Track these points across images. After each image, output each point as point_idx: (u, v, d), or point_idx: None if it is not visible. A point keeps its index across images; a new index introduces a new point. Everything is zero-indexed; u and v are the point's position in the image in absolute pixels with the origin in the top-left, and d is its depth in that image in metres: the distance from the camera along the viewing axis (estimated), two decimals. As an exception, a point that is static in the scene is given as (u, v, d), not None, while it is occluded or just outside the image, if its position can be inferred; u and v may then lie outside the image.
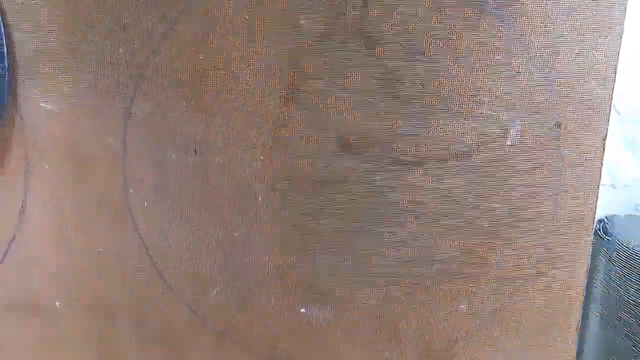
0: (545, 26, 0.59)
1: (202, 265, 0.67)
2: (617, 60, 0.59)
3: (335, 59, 0.61)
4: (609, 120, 0.61)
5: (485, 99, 0.61)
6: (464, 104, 0.61)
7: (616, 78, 0.60)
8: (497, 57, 0.60)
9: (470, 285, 0.65)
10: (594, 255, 1.52)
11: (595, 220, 1.49)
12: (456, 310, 0.66)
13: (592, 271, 1.53)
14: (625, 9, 0.58)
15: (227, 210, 0.65)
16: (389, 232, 0.65)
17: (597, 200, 0.62)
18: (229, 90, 0.62)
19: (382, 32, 0.60)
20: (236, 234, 0.66)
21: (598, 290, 1.51)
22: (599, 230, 1.51)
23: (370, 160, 0.63)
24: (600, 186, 1.40)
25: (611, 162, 1.49)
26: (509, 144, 0.62)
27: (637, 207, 1.52)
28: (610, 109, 0.61)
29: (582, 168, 0.62)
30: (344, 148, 0.63)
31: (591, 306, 1.53)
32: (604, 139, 0.61)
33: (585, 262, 0.63)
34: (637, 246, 1.40)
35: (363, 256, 0.66)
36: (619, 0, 0.59)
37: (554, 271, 0.64)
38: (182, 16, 0.61)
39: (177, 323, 0.68)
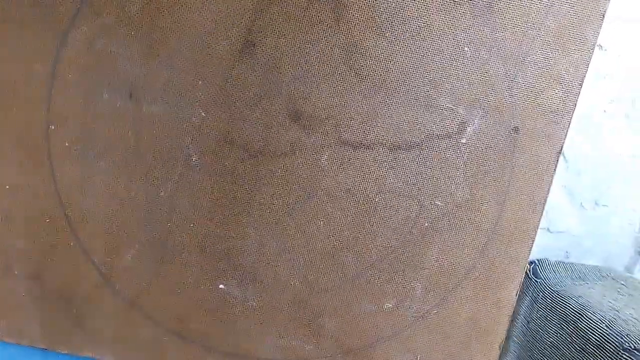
0: (521, 26, 0.57)
1: (120, 223, 0.60)
2: (585, 73, 0.57)
3: (300, 19, 0.56)
4: (566, 134, 0.58)
5: (447, 90, 0.58)
6: (424, 92, 0.58)
7: (581, 91, 0.57)
8: (465, 49, 0.57)
9: (400, 284, 0.61)
10: (521, 295, 1.52)
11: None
12: (382, 309, 0.62)
13: (516, 310, 1.53)
14: (601, 25, 0.57)
15: (155, 166, 0.60)
16: (324, 217, 0.60)
17: (541, 215, 0.60)
18: (180, 30, 0.57)
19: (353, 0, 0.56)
20: (162, 193, 0.60)
21: (519, 330, 1.50)
22: (529, 271, 1.51)
23: (319, 136, 0.58)
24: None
25: (551, 207, 1.50)
26: (464, 141, 0.59)
27: (567, 254, 1.54)
28: (569, 122, 0.58)
29: (533, 179, 0.59)
30: (294, 119, 0.58)
31: (510, 345, 1.52)
32: (559, 152, 0.59)
33: (518, 279, 0.61)
34: (562, 290, 1.40)
35: (293, 238, 0.61)
36: (595, 15, 0.57)
37: (487, 281, 0.61)
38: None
39: (81, 284, 0.62)
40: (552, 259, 1.48)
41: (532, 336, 1.39)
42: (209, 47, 0.58)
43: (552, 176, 0.60)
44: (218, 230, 0.61)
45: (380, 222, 0.61)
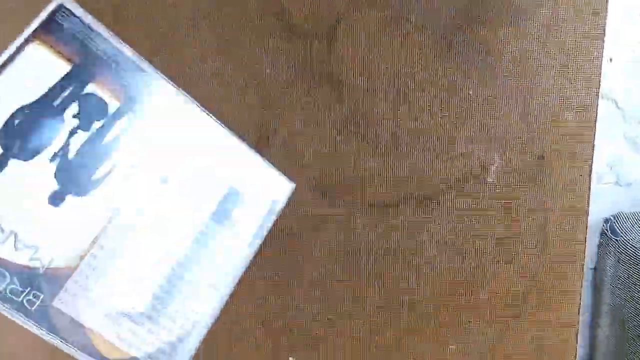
0: (522, 57, 0.57)
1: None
2: (598, 89, 0.57)
3: (304, 104, 0.59)
4: (593, 149, 0.58)
5: (462, 137, 0.59)
6: (439, 144, 0.59)
7: (598, 106, 0.57)
8: (469, 92, 0.57)
9: (459, 326, 0.63)
10: (603, 255, 1.49)
11: (602, 219, 1.47)
12: (447, 351, 0.64)
13: (600, 271, 1.51)
14: (604, 38, 0.56)
15: (205, 264, 0.63)
16: (372, 277, 0.63)
17: (586, 233, 0.60)
18: None
19: (349, 74, 0.58)
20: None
21: (607, 290, 1.48)
22: (607, 230, 1.48)
23: (347, 204, 0.61)
24: (604, 185, 1.38)
25: (614, 160, 1.46)
26: (490, 180, 0.60)
27: (644, 203, 1.49)
28: (594, 139, 0.58)
29: (569, 201, 0.59)
30: (321, 196, 0.61)
31: (602, 306, 1.50)
32: (590, 170, 0.58)
33: (576, 299, 0.61)
34: (643, 244, 1.36)
35: (346, 305, 0.63)
36: (596, 30, 0.56)
37: (545, 305, 0.62)
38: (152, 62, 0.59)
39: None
40: (629, 212, 1.44)
41: (622, 295, 1.37)
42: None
43: (589, 188, 0.60)
44: (275, 309, 0.64)
45: (428, 273, 0.63)
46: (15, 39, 0.47)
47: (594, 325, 1.55)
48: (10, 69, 0.43)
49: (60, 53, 0.46)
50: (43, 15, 0.44)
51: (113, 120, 0.50)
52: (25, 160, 0.46)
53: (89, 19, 0.47)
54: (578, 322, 0.62)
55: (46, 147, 0.47)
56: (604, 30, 0.56)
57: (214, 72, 0.59)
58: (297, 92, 0.59)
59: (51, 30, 0.44)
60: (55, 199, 0.48)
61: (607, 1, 0.55)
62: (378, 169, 0.60)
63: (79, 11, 0.46)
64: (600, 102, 1.38)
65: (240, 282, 0.62)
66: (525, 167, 0.59)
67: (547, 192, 0.60)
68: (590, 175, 0.59)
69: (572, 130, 0.58)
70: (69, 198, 0.48)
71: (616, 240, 1.41)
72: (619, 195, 1.45)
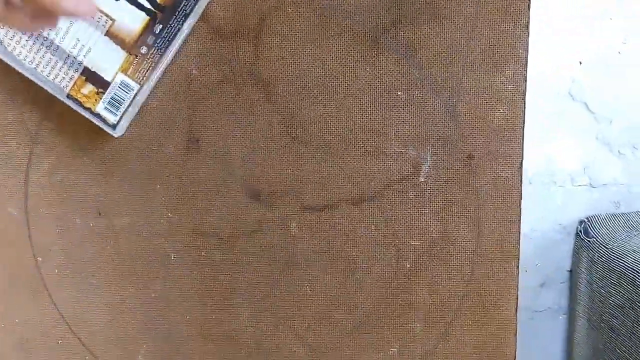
0: (447, 57, 0.56)
1: (123, 329, 0.64)
2: (524, 86, 0.56)
3: (232, 105, 0.60)
4: (522, 147, 0.57)
5: (392, 136, 0.58)
6: (371, 143, 0.58)
7: (526, 103, 0.56)
8: (399, 93, 0.57)
9: (399, 328, 0.62)
10: (577, 257, 1.49)
11: (577, 221, 1.46)
12: (388, 355, 0.63)
13: (576, 273, 1.50)
14: (528, 36, 0.55)
15: (140, 272, 0.63)
16: (308, 281, 0.62)
17: (519, 233, 0.59)
18: (128, 146, 0.61)
19: (277, 75, 0.58)
20: (153, 295, 0.63)
21: (583, 293, 1.47)
22: (580, 232, 1.48)
23: (282, 208, 0.61)
24: (578, 186, 1.37)
25: (589, 162, 1.46)
26: (422, 180, 0.59)
27: (618, 205, 1.49)
28: (523, 136, 0.57)
29: (501, 198, 0.59)
30: (254, 198, 0.60)
31: (577, 309, 1.49)
32: (520, 167, 0.58)
33: (513, 300, 0.60)
34: (616, 247, 1.36)
35: (284, 308, 0.63)
36: (519, 27, 0.56)
37: (483, 306, 0.61)
38: (71, 77, 0.58)
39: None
40: (603, 214, 1.44)
41: (598, 298, 1.36)
42: (158, 153, 0.60)
43: (520, 191, 0.59)
44: (213, 316, 0.63)
45: (364, 274, 0.62)
46: None
47: (571, 327, 1.53)
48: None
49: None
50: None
51: None
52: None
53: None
54: (516, 322, 0.61)
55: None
56: (528, 27, 0.55)
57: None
58: (225, 93, 0.58)
59: None
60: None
61: (529, 3, 0.55)
62: (311, 170, 0.60)
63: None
64: (571, 104, 1.38)
65: (174, 287, 0.61)
66: (456, 166, 0.59)
67: (479, 191, 0.59)
68: (521, 173, 0.58)
69: (501, 128, 0.58)
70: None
71: (589, 242, 1.40)
72: (593, 197, 1.45)
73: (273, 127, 0.58)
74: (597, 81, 1.42)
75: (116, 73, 0.55)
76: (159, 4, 0.53)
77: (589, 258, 1.43)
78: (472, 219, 0.60)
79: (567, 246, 1.49)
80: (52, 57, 0.55)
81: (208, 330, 0.64)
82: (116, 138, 0.59)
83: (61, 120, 0.60)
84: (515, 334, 0.61)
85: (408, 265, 0.61)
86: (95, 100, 0.56)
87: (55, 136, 0.60)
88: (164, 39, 0.54)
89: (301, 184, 0.60)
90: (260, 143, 0.59)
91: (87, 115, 0.56)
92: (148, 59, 0.55)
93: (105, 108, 0.56)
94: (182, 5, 0.53)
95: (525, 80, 0.56)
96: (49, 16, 0.43)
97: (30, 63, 0.55)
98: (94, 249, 0.63)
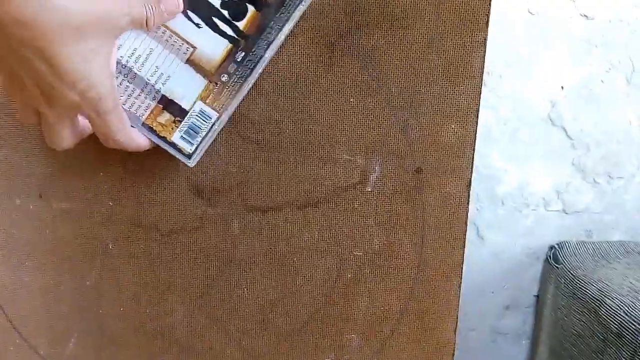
0: (404, 68, 0.56)
1: (57, 315, 0.63)
2: (478, 104, 0.55)
3: None
4: (472, 165, 0.56)
5: (342, 143, 0.57)
6: (320, 147, 0.57)
7: (478, 121, 0.55)
8: (351, 100, 0.56)
9: (336, 338, 0.61)
10: (545, 283, 1.48)
11: (547, 246, 1.45)
12: (323, 365, 0.62)
13: (542, 299, 1.49)
14: (484, 52, 0.55)
15: (77, 258, 0.61)
16: (246, 283, 0.61)
17: (464, 248, 0.58)
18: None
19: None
20: (88, 283, 0.62)
21: (547, 319, 1.46)
22: (549, 257, 1.47)
23: (225, 206, 0.60)
24: (550, 211, 1.37)
25: (563, 188, 1.46)
26: (369, 190, 0.58)
27: (590, 233, 1.48)
28: (473, 154, 0.56)
29: (447, 214, 0.58)
30: (197, 194, 0.59)
31: (540, 335, 1.49)
32: (469, 186, 0.57)
33: (453, 317, 0.59)
34: (582, 275, 1.35)
35: (220, 308, 0.61)
36: (476, 43, 0.55)
37: (422, 324, 0.60)
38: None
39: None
40: (573, 240, 1.43)
41: (560, 325, 1.36)
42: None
43: (467, 209, 0.58)
44: (148, 311, 0.62)
45: (304, 280, 0.61)
46: None
47: (532, 354, 1.53)
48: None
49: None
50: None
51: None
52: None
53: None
54: (454, 343, 0.60)
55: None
56: (485, 43, 0.54)
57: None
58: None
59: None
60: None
61: (489, 12, 0.54)
62: (257, 171, 0.59)
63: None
64: (550, 128, 1.38)
65: (110, 277, 0.60)
66: (403, 179, 0.58)
67: (425, 206, 0.58)
68: (469, 190, 0.57)
69: (451, 144, 0.57)
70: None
71: (557, 267, 1.40)
72: (565, 223, 1.44)
73: (223, 125, 0.57)
74: (577, 107, 1.42)
75: (195, 101, 0.54)
76: (242, 31, 0.52)
77: (556, 285, 1.43)
78: (417, 233, 0.59)
79: (536, 270, 1.49)
80: (129, 84, 0.53)
81: (141, 323, 0.62)
82: None
83: (4, 100, 0.58)
84: (453, 355, 0.60)
85: (349, 275, 0.60)
86: (172, 129, 0.54)
87: (1, 113, 0.58)
88: (245, 67, 0.52)
89: (246, 183, 0.59)
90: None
91: (161, 144, 0.55)
92: (228, 87, 0.53)
93: (182, 137, 0.55)
94: (265, 33, 0.51)
95: (479, 97, 0.56)
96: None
97: None
98: (32, 232, 0.61)
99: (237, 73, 0.53)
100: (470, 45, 0.55)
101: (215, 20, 0.52)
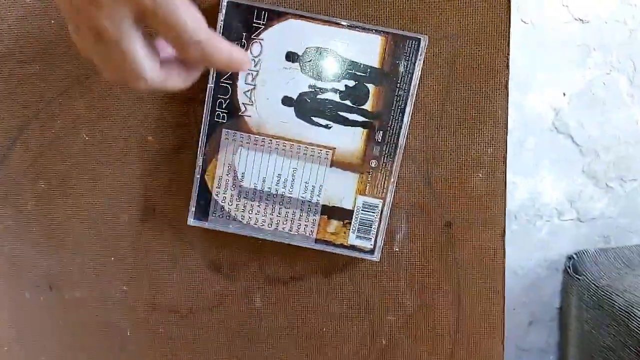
0: (421, 118, 0.52)
1: (77, 409, 0.59)
2: (505, 150, 0.52)
3: (190, 173, 0.55)
4: (505, 213, 0.53)
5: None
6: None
7: (506, 169, 0.52)
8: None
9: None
10: (567, 295, 1.44)
11: (565, 257, 1.42)
12: None
13: (566, 311, 1.45)
14: (507, 98, 0.51)
15: (94, 347, 0.58)
16: (276, 358, 0.57)
17: (503, 301, 0.55)
18: (79, 216, 0.57)
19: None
20: (108, 373, 0.58)
21: (573, 333, 1.42)
22: (569, 268, 1.44)
23: (245, 279, 0.57)
24: (565, 221, 1.33)
25: (573, 196, 1.42)
26: (397, 249, 0.54)
27: (607, 239, 1.45)
28: (505, 202, 0.53)
29: (482, 267, 0.54)
30: (215, 270, 0.55)
31: (568, 349, 1.45)
32: (503, 235, 0.53)
33: (497, 373, 0.55)
34: (607, 286, 1.32)
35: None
36: (498, 88, 0.51)
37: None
38: (17, 142, 0.54)
39: None
40: (592, 249, 1.40)
41: (588, 339, 1.32)
42: (112, 224, 0.55)
43: (504, 260, 0.55)
44: (174, 396, 0.58)
45: (335, 351, 0.57)
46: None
47: (561, 368, 1.49)
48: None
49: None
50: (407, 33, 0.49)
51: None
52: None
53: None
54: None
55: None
56: (507, 86, 0.51)
57: (91, 140, 0.54)
58: (182, 160, 0.54)
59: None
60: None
61: (508, 53, 0.51)
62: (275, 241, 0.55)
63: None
64: (556, 137, 1.35)
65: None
66: (433, 235, 0.54)
67: (458, 261, 0.55)
68: (503, 241, 0.54)
69: (480, 194, 0.53)
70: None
71: (578, 279, 1.36)
72: (581, 232, 1.41)
73: (236, 195, 0.54)
74: (582, 113, 1.40)
75: (355, 198, 0.53)
76: (371, 112, 0.50)
77: (579, 297, 1.39)
78: (452, 291, 0.55)
79: (555, 282, 1.45)
80: (287, 211, 0.53)
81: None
82: (68, 207, 0.55)
83: (6, 189, 0.55)
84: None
85: (383, 342, 0.56)
86: (344, 233, 0.53)
87: (0, 206, 0.55)
88: (389, 143, 0.51)
89: (265, 253, 0.55)
90: (222, 211, 0.54)
91: (340, 251, 0.54)
92: (381, 170, 0.52)
93: (357, 237, 0.53)
94: (395, 102, 0.50)
95: (506, 144, 0.52)
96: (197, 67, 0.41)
97: (269, 226, 0.53)
98: (45, 324, 0.58)
99: (383, 153, 0.52)
100: (491, 90, 0.52)
101: (342, 114, 0.51)
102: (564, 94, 1.38)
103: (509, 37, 0.51)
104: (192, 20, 0.36)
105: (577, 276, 1.40)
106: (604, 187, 1.44)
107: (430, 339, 0.57)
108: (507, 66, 0.52)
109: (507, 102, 0.53)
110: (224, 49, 0.38)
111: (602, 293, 1.31)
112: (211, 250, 0.56)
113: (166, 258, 0.56)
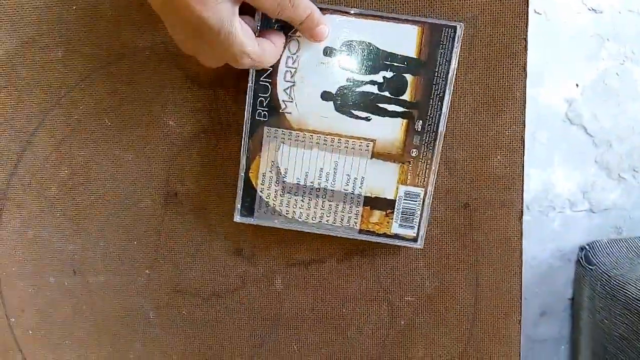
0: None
1: (101, 391, 0.60)
2: (523, 132, 0.53)
3: (212, 156, 0.56)
4: (522, 196, 0.54)
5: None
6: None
7: (525, 147, 0.52)
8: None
9: (395, 389, 0.58)
10: (579, 285, 1.44)
11: (578, 247, 1.42)
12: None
13: (578, 302, 1.46)
14: (525, 79, 0.52)
15: (118, 331, 0.59)
16: (296, 340, 0.58)
17: (521, 280, 0.55)
18: (101, 201, 0.58)
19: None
20: (131, 356, 0.59)
21: (585, 323, 1.43)
22: (581, 258, 1.44)
23: (266, 263, 0.58)
24: (578, 212, 1.33)
25: (586, 186, 1.42)
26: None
27: (620, 230, 1.45)
28: (522, 184, 0.53)
29: (500, 248, 0.55)
30: (237, 254, 0.56)
31: (580, 339, 1.45)
32: (521, 217, 0.54)
33: (516, 351, 0.56)
34: (619, 275, 1.32)
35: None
36: (517, 69, 0.52)
37: (483, 355, 0.57)
38: (40, 128, 0.55)
39: None
40: (604, 240, 1.40)
41: (601, 329, 1.32)
42: (134, 208, 0.56)
43: (521, 242, 0.55)
44: (196, 379, 0.59)
45: (355, 332, 0.58)
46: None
47: (573, 359, 1.49)
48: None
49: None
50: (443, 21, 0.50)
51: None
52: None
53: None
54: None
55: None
56: (526, 68, 0.52)
57: (113, 126, 0.55)
58: (204, 145, 0.55)
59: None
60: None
61: (526, 35, 0.51)
62: (297, 223, 0.56)
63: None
64: (569, 128, 1.35)
65: (154, 347, 0.57)
66: (451, 217, 0.55)
67: (476, 243, 0.55)
68: (521, 222, 0.54)
69: (499, 175, 0.54)
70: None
71: (591, 269, 1.36)
72: (594, 223, 1.41)
73: (256, 178, 0.54)
74: (595, 104, 1.39)
75: (397, 188, 0.53)
76: (410, 102, 0.51)
77: (591, 287, 1.39)
78: (470, 272, 0.56)
79: (568, 273, 1.45)
80: (330, 203, 0.54)
81: (190, 393, 0.59)
82: (90, 192, 0.57)
83: (30, 176, 0.56)
84: (517, 394, 0.57)
85: (402, 322, 0.57)
86: (387, 222, 0.54)
87: (24, 191, 0.56)
88: (429, 132, 0.52)
89: (286, 237, 0.56)
90: (243, 195, 0.55)
91: (384, 240, 0.55)
92: (422, 160, 0.53)
93: (400, 225, 0.54)
94: (433, 91, 0.51)
95: (524, 125, 0.53)
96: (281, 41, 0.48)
97: (314, 219, 0.54)
98: (69, 309, 0.59)
99: (423, 142, 0.53)
100: (510, 72, 0.52)
101: (381, 105, 0.52)
102: (577, 85, 1.38)
103: (527, 19, 0.51)
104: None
105: (589, 266, 1.40)
106: (616, 178, 1.44)
107: (449, 319, 0.57)
108: (526, 48, 0.52)
109: (525, 84, 0.53)
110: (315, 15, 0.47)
111: (615, 283, 1.31)
112: (232, 234, 0.56)
113: (188, 242, 0.57)
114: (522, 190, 0.55)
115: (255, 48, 0.44)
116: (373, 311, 0.58)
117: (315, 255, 0.57)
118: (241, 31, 0.42)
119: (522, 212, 0.55)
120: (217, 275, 0.58)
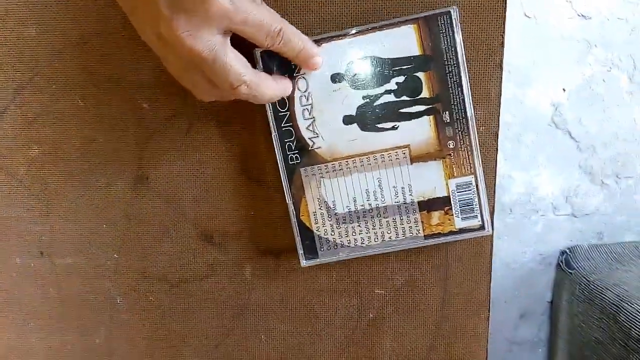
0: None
1: (65, 375, 0.59)
2: (497, 128, 0.53)
3: (183, 142, 0.56)
4: (495, 191, 0.53)
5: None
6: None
7: (498, 143, 0.52)
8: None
9: (361, 382, 0.58)
10: (558, 289, 1.45)
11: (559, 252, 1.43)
12: (349, 410, 0.58)
13: (557, 305, 1.46)
14: (502, 73, 0.52)
15: (84, 315, 0.58)
16: (264, 330, 0.58)
17: (490, 279, 0.55)
18: (71, 181, 0.57)
19: (231, 109, 0.54)
20: (97, 340, 0.58)
21: (563, 326, 1.43)
22: (561, 262, 1.44)
23: (236, 251, 0.58)
24: (559, 216, 1.33)
25: (571, 191, 1.43)
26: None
27: (601, 235, 1.45)
28: (495, 179, 0.53)
29: (470, 246, 0.55)
30: (206, 240, 0.56)
31: (557, 342, 1.45)
32: (492, 213, 0.54)
33: (483, 347, 0.56)
34: (597, 280, 1.32)
35: (237, 357, 0.58)
36: (494, 63, 0.52)
37: (450, 350, 0.57)
38: (11, 105, 0.54)
39: None
40: (585, 245, 1.40)
41: (578, 332, 1.32)
42: (104, 191, 0.56)
43: (492, 238, 0.55)
44: (162, 367, 0.59)
45: (324, 324, 0.58)
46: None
47: (550, 361, 1.50)
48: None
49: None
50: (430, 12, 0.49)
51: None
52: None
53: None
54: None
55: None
56: (501, 66, 0.51)
57: (85, 106, 0.54)
58: (177, 128, 0.54)
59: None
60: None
61: (503, 32, 0.51)
62: (268, 211, 0.55)
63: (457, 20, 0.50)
64: (554, 132, 1.35)
65: (119, 333, 0.56)
66: (423, 211, 0.54)
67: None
68: (492, 218, 0.54)
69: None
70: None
71: (570, 274, 1.37)
72: (575, 227, 1.41)
73: (229, 166, 0.54)
74: (581, 109, 1.40)
75: (446, 184, 0.53)
76: (429, 98, 0.51)
77: (570, 291, 1.39)
78: (440, 267, 0.56)
79: (548, 277, 1.46)
80: (387, 220, 0.54)
81: (155, 381, 0.59)
82: (60, 172, 0.57)
83: None
84: (484, 391, 0.57)
85: (371, 315, 0.57)
86: (449, 220, 0.54)
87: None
88: (459, 119, 0.51)
89: (257, 226, 0.55)
90: (214, 182, 0.54)
91: (453, 238, 0.54)
92: (462, 148, 0.52)
93: (463, 219, 0.54)
94: (449, 79, 0.51)
95: (498, 122, 0.53)
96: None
97: (376, 240, 0.54)
98: (34, 291, 0.58)
99: (457, 130, 0.52)
100: (485, 69, 0.52)
101: (403, 110, 0.52)
102: (564, 90, 1.38)
103: (504, 16, 0.51)
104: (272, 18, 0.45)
105: (569, 271, 1.40)
106: (599, 184, 1.45)
107: (418, 312, 0.57)
108: (502, 44, 0.52)
109: (501, 81, 0.53)
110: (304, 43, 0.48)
111: (593, 287, 1.31)
112: (202, 220, 0.56)
113: (158, 227, 0.56)
114: (495, 186, 0.55)
115: (251, 75, 0.45)
116: (342, 303, 0.58)
117: (285, 245, 0.56)
118: (235, 59, 0.44)
119: (493, 207, 0.55)
120: (186, 261, 0.57)
